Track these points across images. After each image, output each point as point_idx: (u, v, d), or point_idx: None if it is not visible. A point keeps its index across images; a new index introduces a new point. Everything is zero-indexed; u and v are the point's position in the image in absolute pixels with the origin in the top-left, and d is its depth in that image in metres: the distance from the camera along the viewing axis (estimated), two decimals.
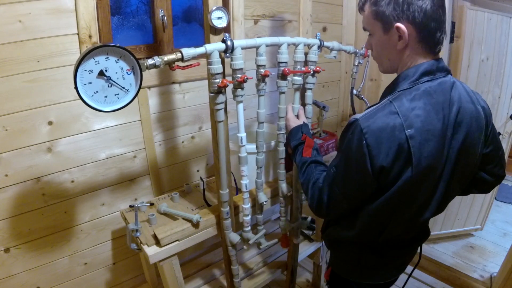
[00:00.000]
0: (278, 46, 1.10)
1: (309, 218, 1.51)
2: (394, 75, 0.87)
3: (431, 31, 0.77)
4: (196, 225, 1.20)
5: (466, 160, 0.85)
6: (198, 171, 1.76)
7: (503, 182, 3.28)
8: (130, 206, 1.31)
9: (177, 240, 1.17)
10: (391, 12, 0.77)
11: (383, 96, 0.86)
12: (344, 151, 0.83)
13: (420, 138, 0.74)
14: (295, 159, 1.08)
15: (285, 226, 1.41)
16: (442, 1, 0.77)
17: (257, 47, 1.05)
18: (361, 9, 0.86)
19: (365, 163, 0.76)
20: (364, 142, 0.75)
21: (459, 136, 0.80)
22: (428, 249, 2.25)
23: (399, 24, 0.76)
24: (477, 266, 2.16)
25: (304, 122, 1.17)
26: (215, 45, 0.95)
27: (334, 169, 0.87)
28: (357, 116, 0.79)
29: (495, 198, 2.84)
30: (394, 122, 0.74)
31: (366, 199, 0.85)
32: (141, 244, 1.16)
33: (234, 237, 1.23)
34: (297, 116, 1.21)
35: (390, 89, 0.84)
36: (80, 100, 0.79)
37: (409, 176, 0.77)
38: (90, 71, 0.79)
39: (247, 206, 1.22)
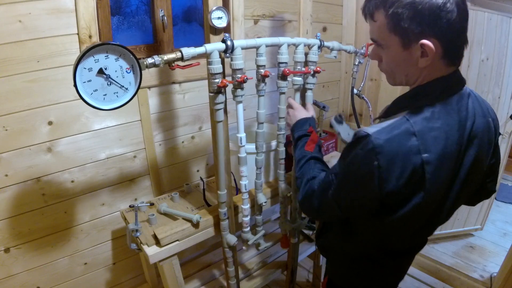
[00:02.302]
0: (278, 46, 1.10)
1: (307, 218, 1.51)
2: None
3: (457, 46, 0.69)
4: (196, 225, 1.20)
5: (475, 175, 0.80)
6: (198, 171, 1.76)
7: (503, 182, 3.28)
8: (130, 206, 1.30)
9: (177, 240, 1.17)
10: (415, 27, 0.66)
11: (396, 107, 0.77)
12: (348, 165, 0.76)
13: (436, 164, 0.68)
14: (295, 151, 1.02)
15: (285, 227, 1.41)
16: (467, 12, 0.67)
17: (257, 47, 1.05)
18: (370, 16, 0.73)
19: (372, 184, 0.70)
20: (376, 163, 0.67)
21: (471, 152, 0.75)
22: (428, 249, 2.25)
23: (425, 41, 0.66)
24: (477, 266, 2.16)
25: (312, 115, 1.12)
26: (215, 45, 0.95)
27: (333, 177, 0.80)
28: (369, 130, 0.70)
29: (495, 198, 2.84)
30: (411, 144, 0.67)
31: (365, 215, 0.81)
32: (141, 244, 1.16)
33: (231, 238, 1.23)
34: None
35: (405, 103, 0.75)
36: (80, 100, 0.79)
37: (419, 202, 0.72)
38: (90, 69, 0.79)
39: (246, 206, 1.21)
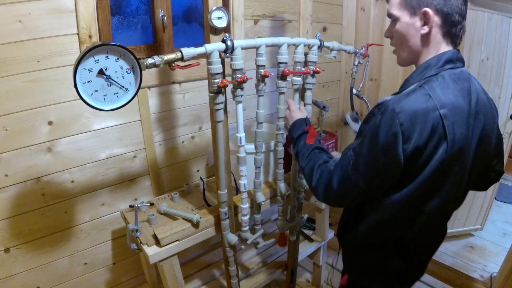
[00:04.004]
0: (278, 46, 1.10)
1: (305, 217, 1.51)
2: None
3: (454, 22, 0.81)
4: (196, 225, 1.20)
5: (483, 150, 0.87)
6: (198, 171, 1.76)
7: (503, 182, 3.28)
8: (130, 206, 1.31)
9: (177, 240, 1.17)
10: None
11: (407, 83, 0.85)
12: (369, 133, 0.79)
13: (452, 119, 0.75)
14: (297, 146, 1.04)
15: (283, 226, 1.41)
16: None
17: (257, 48, 1.05)
18: None
19: (396, 144, 0.74)
20: (397, 121, 0.73)
21: (479, 125, 0.83)
22: None
23: (427, 9, 0.79)
24: (477, 266, 2.16)
25: (307, 115, 1.17)
26: (215, 45, 0.95)
27: (352, 152, 0.83)
28: (387, 98, 0.79)
29: (495, 198, 2.84)
30: (428, 103, 0.74)
31: (389, 188, 0.83)
32: (141, 244, 1.16)
33: (232, 237, 1.23)
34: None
35: (415, 78, 0.84)
36: (80, 100, 0.80)
37: (443, 158, 0.76)
38: (90, 70, 0.79)
39: (245, 206, 1.22)
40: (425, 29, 0.81)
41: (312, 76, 1.21)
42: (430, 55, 0.84)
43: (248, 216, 1.25)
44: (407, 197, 0.82)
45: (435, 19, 0.79)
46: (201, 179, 1.49)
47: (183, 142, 1.65)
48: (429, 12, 0.79)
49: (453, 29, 0.81)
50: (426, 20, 0.80)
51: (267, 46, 1.06)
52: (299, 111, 1.17)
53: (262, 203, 1.28)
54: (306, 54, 1.20)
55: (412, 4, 0.81)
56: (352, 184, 0.83)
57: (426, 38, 0.82)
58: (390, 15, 0.87)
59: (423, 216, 0.86)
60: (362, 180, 0.81)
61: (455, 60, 0.83)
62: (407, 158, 0.76)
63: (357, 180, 0.81)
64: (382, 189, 0.84)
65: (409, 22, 0.83)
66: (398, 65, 0.93)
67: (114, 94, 0.84)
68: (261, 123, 1.18)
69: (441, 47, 0.83)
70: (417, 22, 0.82)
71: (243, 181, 1.17)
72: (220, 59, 0.97)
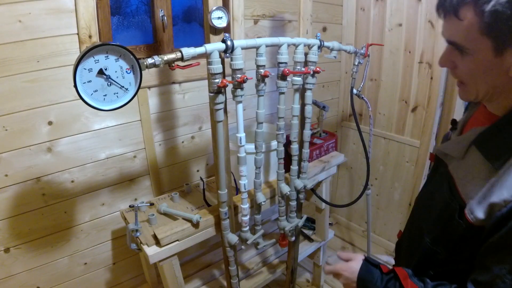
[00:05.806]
0: (278, 46, 1.10)
1: (305, 217, 1.51)
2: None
3: None
4: (196, 225, 1.20)
5: None
6: (198, 171, 1.76)
7: None
8: (130, 206, 1.31)
9: (177, 240, 1.17)
10: None
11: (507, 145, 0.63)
12: None
13: None
14: None
15: (284, 226, 1.41)
16: None
17: (257, 47, 1.05)
18: (453, 14, 0.59)
19: None
20: None
21: None
22: None
23: None
24: None
25: (360, 257, 0.85)
26: (215, 45, 0.95)
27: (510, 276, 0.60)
28: None
29: None
30: None
31: None
32: (141, 244, 1.16)
33: (232, 237, 1.23)
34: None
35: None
36: (80, 100, 0.80)
37: None
38: (90, 70, 0.79)
39: (245, 206, 1.22)
40: None
41: (312, 76, 1.21)
42: None
43: (248, 216, 1.25)
44: None
45: None
46: (201, 179, 1.49)
47: (183, 142, 1.65)
48: None
49: None
50: None
51: (267, 46, 1.06)
52: (350, 264, 0.85)
53: (263, 203, 1.28)
54: (306, 54, 1.20)
55: (500, 37, 0.56)
56: None
57: None
58: (455, 44, 0.62)
59: None
60: None
61: None
62: None
63: None
64: None
65: (492, 60, 0.59)
66: (461, 99, 0.71)
67: (114, 94, 0.84)
68: (261, 123, 1.18)
69: None
70: (505, 60, 0.58)
71: (243, 181, 1.17)
72: (220, 59, 0.97)
